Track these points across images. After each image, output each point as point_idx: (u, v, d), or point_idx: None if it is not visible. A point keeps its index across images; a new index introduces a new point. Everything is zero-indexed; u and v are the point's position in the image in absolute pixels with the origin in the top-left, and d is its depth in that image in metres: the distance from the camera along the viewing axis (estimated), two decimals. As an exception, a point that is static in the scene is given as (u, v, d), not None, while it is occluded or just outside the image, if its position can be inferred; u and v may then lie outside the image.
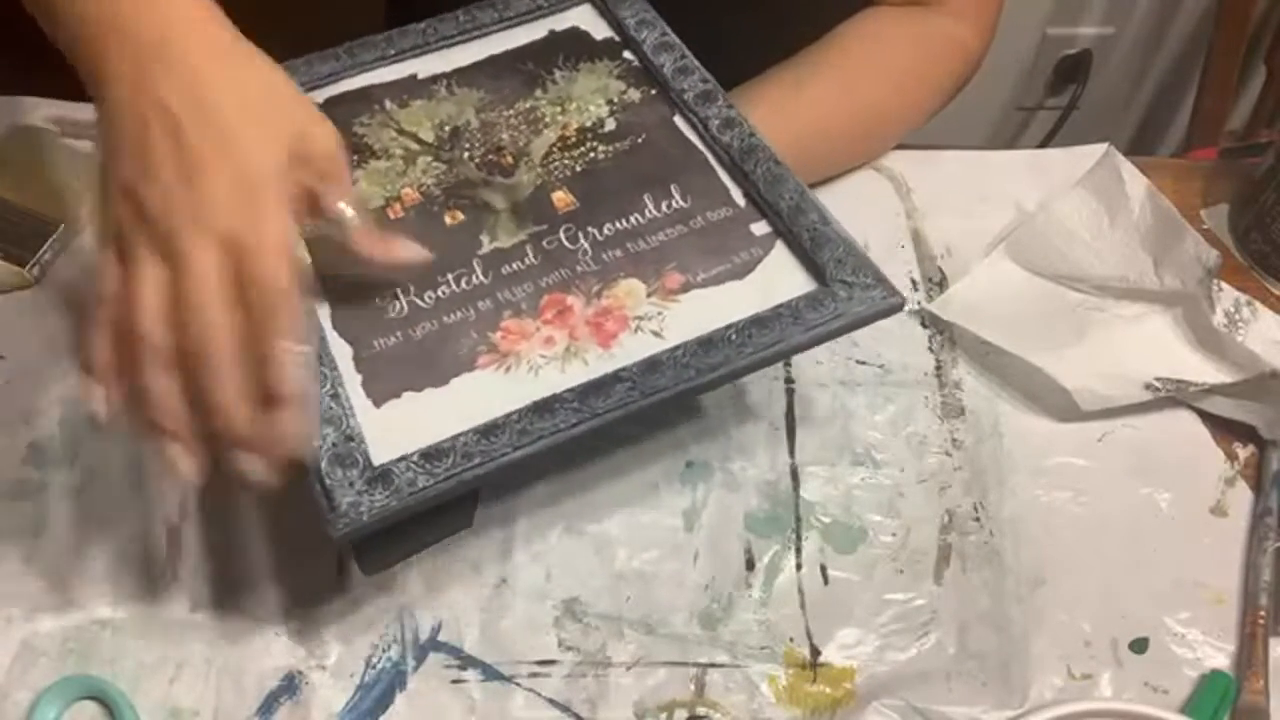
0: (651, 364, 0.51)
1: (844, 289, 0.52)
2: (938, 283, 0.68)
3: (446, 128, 0.61)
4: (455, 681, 0.55)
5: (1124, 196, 0.67)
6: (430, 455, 0.48)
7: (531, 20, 0.66)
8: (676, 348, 0.51)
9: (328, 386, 0.51)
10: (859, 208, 0.70)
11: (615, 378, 0.50)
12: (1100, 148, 0.69)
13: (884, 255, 0.69)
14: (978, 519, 0.60)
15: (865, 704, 0.54)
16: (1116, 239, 0.67)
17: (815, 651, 0.56)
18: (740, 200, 0.57)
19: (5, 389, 0.62)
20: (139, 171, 0.46)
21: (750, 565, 0.58)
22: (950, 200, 0.71)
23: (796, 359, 0.64)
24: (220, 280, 0.45)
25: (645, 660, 0.56)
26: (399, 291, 0.54)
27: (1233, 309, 0.67)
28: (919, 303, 0.67)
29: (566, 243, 0.56)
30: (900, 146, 0.73)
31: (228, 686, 0.54)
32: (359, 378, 0.52)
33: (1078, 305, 0.67)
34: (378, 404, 0.51)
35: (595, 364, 0.51)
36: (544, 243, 0.56)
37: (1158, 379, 0.63)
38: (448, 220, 0.57)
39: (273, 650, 0.55)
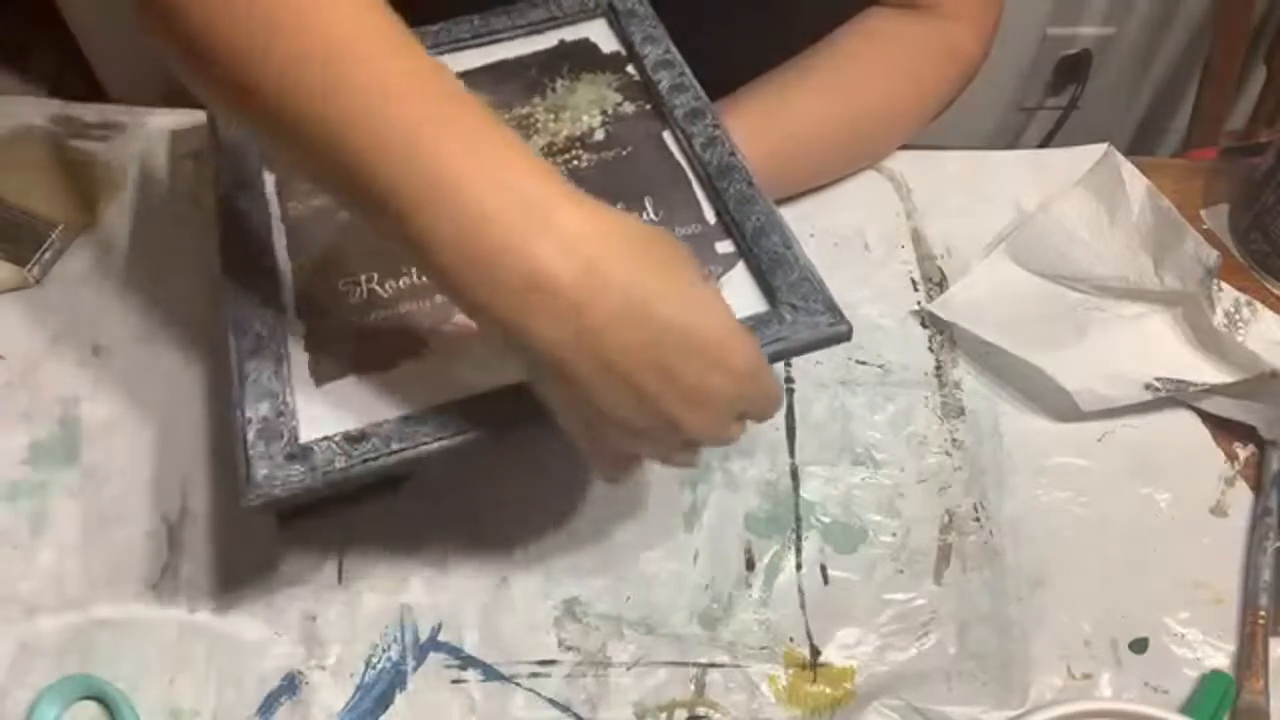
0: None
1: (790, 312, 0.52)
2: (937, 283, 0.68)
3: None
4: (455, 681, 0.55)
5: (1124, 196, 0.66)
6: (353, 437, 0.48)
7: (546, 30, 0.66)
8: None
9: (272, 362, 0.51)
10: (859, 208, 0.70)
11: None
12: (1100, 148, 0.69)
13: (884, 255, 0.69)
14: (978, 519, 0.60)
15: (865, 704, 0.54)
16: (1116, 239, 0.67)
17: (815, 651, 0.56)
18: (710, 217, 0.57)
19: (5, 389, 0.62)
20: (630, 408, 0.44)
21: (750, 565, 0.58)
22: (950, 200, 0.71)
23: (796, 359, 0.64)
24: None
25: (645, 660, 0.56)
26: (363, 278, 0.55)
27: (1233, 309, 0.67)
28: (919, 303, 0.67)
29: None
30: (900, 146, 0.73)
31: (228, 686, 0.54)
32: (306, 356, 0.52)
33: (1078, 305, 0.67)
34: (319, 384, 0.51)
35: None
36: None
37: (1158, 379, 0.63)
38: None
39: (273, 650, 0.55)
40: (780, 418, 0.63)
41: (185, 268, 0.66)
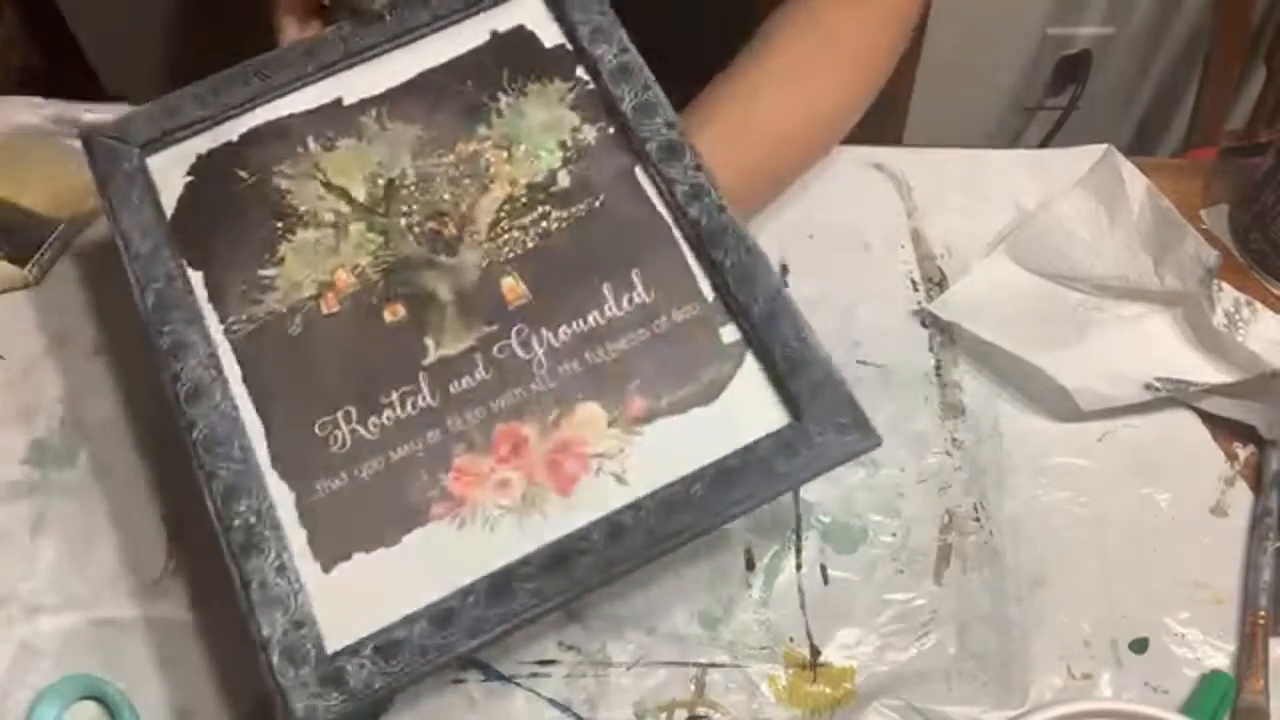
0: (615, 528, 0.48)
1: (818, 430, 0.48)
2: (937, 283, 0.68)
3: (380, 180, 0.56)
4: (455, 681, 0.55)
5: (1124, 197, 0.66)
6: (384, 650, 0.46)
7: (471, 16, 0.58)
8: (639, 506, 0.48)
9: (272, 556, 0.48)
10: (859, 208, 0.70)
11: (577, 547, 0.47)
12: (1100, 148, 0.69)
13: (884, 255, 0.69)
14: (978, 519, 0.60)
15: (865, 704, 0.54)
16: (1116, 239, 0.67)
17: (815, 651, 0.56)
18: (708, 293, 0.52)
19: (5, 389, 0.62)
20: None
21: (750, 565, 0.58)
22: (950, 200, 0.71)
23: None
24: None
25: (645, 660, 0.56)
26: (340, 418, 0.51)
27: (1233, 309, 0.67)
28: (919, 303, 0.67)
29: (519, 350, 0.52)
30: (901, 146, 0.73)
31: (228, 686, 0.54)
32: (303, 533, 0.49)
33: (1078, 305, 0.67)
34: (326, 569, 0.49)
35: (554, 516, 0.49)
36: (495, 350, 0.52)
37: (1158, 379, 0.63)
38: (387, 316, 0.53)
39: (273, 650, 0.55)
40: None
41: (185, 268, 0.66)
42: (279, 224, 0.55)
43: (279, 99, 0.58)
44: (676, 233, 0.53)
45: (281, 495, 0.50)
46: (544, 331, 0.52)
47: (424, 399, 0.51)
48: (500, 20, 0.58)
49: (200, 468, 0.50)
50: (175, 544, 0.58)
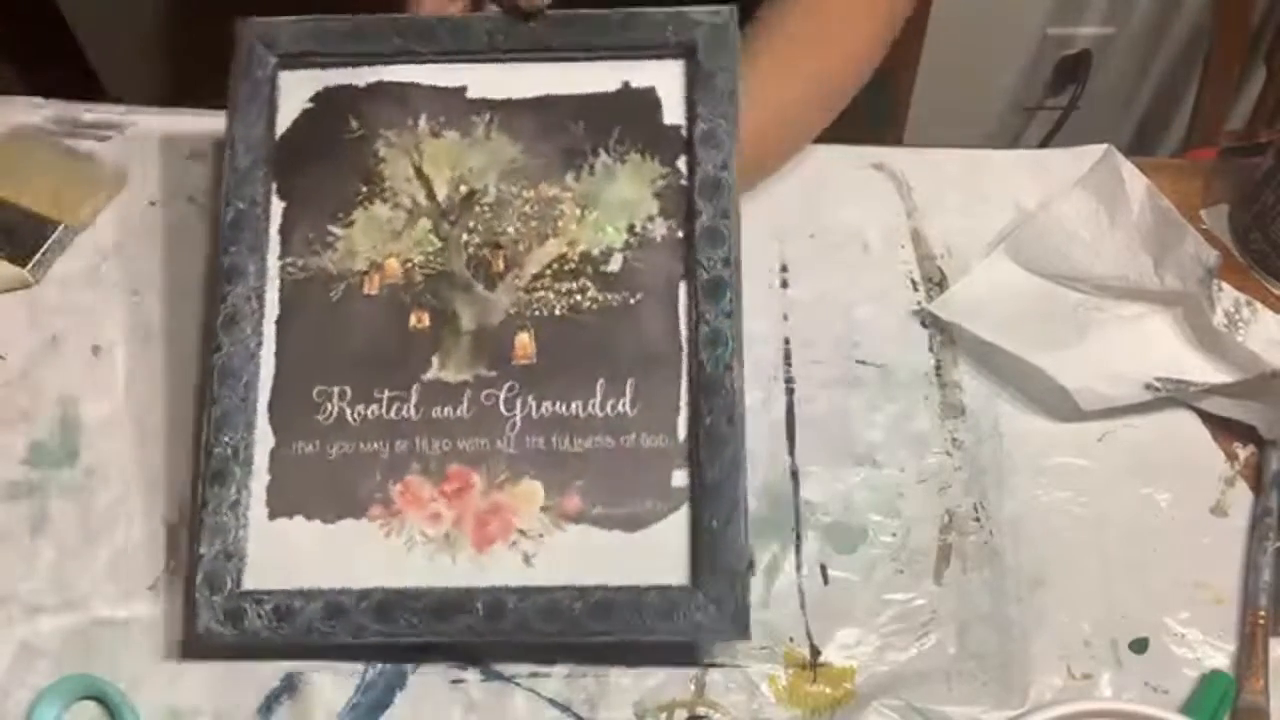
0: (496, 607, 0.52)
1: (702, 605, 0.52)
2: (937, 283, 0.68)
3: (463, 187, 0.58)
4: (455, 681, 0.55)
5: (1124, 196, 0.66)
6: (279, 612, 0.52)
7: (615, 59, 0.58)
8: (525, 594, 0.52)
9: (233, 491, 0.54)
10: (859, 207, 0.70)
11: (461, 605, 0.52)
12: (1100, 148, 0.69)
13: (884, 255, 0.69)
14: (978, 519, 0.60)
15: (865, 704, 0.54)
16: (1117, 239, 0.67)
17: (815, 651, 0.56)
18: (681, 434, 0.54)
19: (5, 389, 0.62)
20: None
21: (750, 565, 0.58)
22: (950, 200, 0.71)
23: (796, 359, 0.64)
24: None
25: (645, 660, 0.56)
26: (336, 394, 0.55)
27: (1233, 309, 0.67)
28: (919, 303, 0.67)
29: (503, 406, 0.55)
30: (901, 146, 0.73)
31: (228, 686, 0.54)
32: (267, 479, 0.55)
33: (1078, 305, 0.67)
34: (270, 517, 0.54)
35: (460, 566, 0.53)
36: (483, 395, 0.55)
37: (1158, 379, 0.62)
38: (413, 320, 0.56)
39: (273, 650, 0.55)
40: (781, 418, 0.63)
41: (184, 268, 0.66)
42: (364, 188, 0.58)
43: (413, 64, 0.59)
44: (684, 365, 0.55)
45: (264, 438, 0.55)
46: (530, 399, 0.55)
47: (408, 410, 0.55)
48: (637, 74, 0.58)
49: (209, 390, 0.55)
50: (175, 544, 0.58)
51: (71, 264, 0.67)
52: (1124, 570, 0.59)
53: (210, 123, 0.72)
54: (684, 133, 0.58)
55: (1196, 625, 0.57)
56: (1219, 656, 0.56)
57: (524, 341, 0.56)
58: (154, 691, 0.54)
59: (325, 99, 0.59)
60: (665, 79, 0.58)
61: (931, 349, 0.66)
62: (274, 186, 0.58)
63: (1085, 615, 0.57)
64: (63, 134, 0.71)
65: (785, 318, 0.65)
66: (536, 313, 0.56)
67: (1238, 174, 0.73)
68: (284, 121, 0.59)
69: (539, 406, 0.55)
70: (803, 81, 0.66)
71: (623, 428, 0.55)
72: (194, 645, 0.54)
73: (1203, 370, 0.64)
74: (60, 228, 0.67)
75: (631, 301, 0.56)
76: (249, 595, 0.53)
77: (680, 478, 0.54)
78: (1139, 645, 0.57)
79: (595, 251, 0.56)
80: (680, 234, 0.56)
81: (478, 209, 0.57)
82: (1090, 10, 1.34)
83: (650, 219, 0.57)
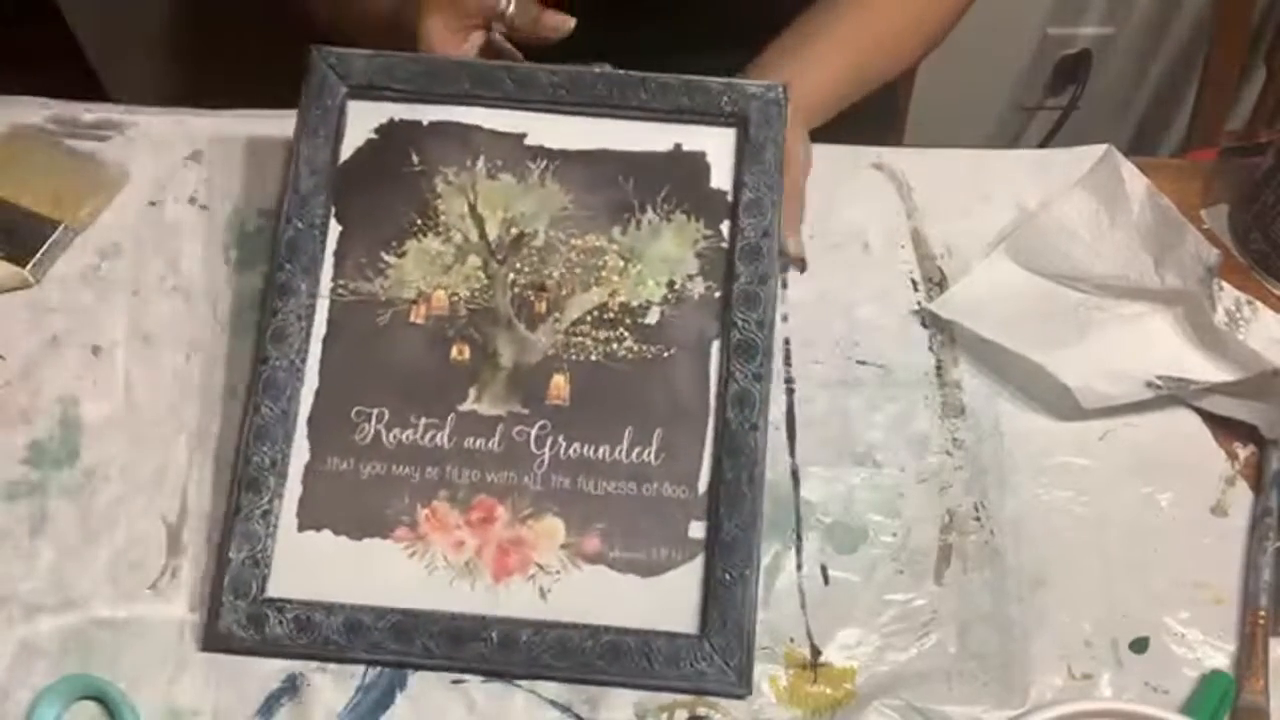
0: (509, 639, 0.53)
1: (708, 660, 0.53)
2: (938, 283, 0.68)
3: (514, 229, 0.60)
4: (456, 682, 0.55)
5: (1124, 196, 0.66)
6: (300, 623, 0.54)
7: (671, 121, 0.61)
8: (540, 632, 0.53)
9: (265, 499, 0.55)
10: (859, 207, 0.70)
11: (476, 634, 0.53)
12: (1100, 148, 0.69)
13: (884, 255, 0.69)
14: (978, 518, 0.60)
15: (865, 704, 0.54)
16: (1117, 238, 0.67)
17: (816, 651, 0.56)
18: (701, 487, 0.56)
19: (5, 389, 0.62)
20: None
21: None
22: (951, 200, 0.71)
23: (796, 359, 0.64)
24: None
25: (645, 660, 0.56)
26: (374, 415, 0.57)
27: (1233, 308, 0.67)
28: (919, 303, 0.67)
29: (533, 444, 0.57)
30: (901, 146, 0.73)
31: (228, 687, 0.54)
32: (300, 490, 0.56)
33: (1078, 305, 0.67)
34: (300, 529, 0.56)
35: (478, 594, 0.55)
36: (515, 431, 0.57)
37: (1159, 377, 0.62)
38: (454, 352, 0.58)
39: (273, 650, 0.55)
40: (781, 417, 0.63)
41: (184, 268, 0.66)
42: (418, 220, 0.60)
43: (477, 107, 0.61)
44: (710, 421, 0.57)
45: (300, 451, 0.57)
46: (560, 439, 0.57)
47: (442, 438, 0.57)
48: (689, 138, 0.61)
49: (251, 399, 0.57)
50: (175, 544, 0.58)
51: (71, 264, 0.67)
52: (1124, 570, 0.59)
53: (211, 123, 0.72)
54: (730, 198, 0.60)
55: (1196, 625, 0.57)
56: (1219, 656, 0.56)
57: (559, 383, 0.58)
58: (154, 691, 0.54)
59: (389, 131, 0.62)
60: (716, 145, 0.61)
61: (932, 349, 0.66)
62: (332, 210, 0.60)
63: (1086, 615, 0.57)
64: (63, 134, 0.71)
65: (785, 318, 0.65)
66: (573, 356, 0.58)
67: (1238, 174, 0.73)
68: (347, 149, 0.61)
69: (568, 447, 0.57)
70: (908, 10, 0.71)
71: (646, 476, 0.56)
72: (211, 639, 0.54)
73: (1203, 369, 0.64)
74: (60, 228, 0.67)
75: (665, 355, 0.58)
76: (272, 603, 0.54)
77: (697, 529, 0.55)
78: (1139, 645, 0.57)
79: (635, 303, 0.59)
80: (718, 294, 0.59)
81: (526, 251, 0.60)
82: (1090, 10, 1.34)
83: (690, 277, 0.59)
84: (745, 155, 0.60)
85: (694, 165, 0.61)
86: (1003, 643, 0.56)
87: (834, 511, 0.60)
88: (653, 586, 0.55)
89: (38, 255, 0.66)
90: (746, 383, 0.57)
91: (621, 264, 0.59)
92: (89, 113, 0.72)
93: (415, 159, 0.61)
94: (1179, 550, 0.59)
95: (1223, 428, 0.63)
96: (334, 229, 0.60)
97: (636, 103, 0.60)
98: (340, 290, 0.59)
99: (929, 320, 0.66)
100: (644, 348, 0.58)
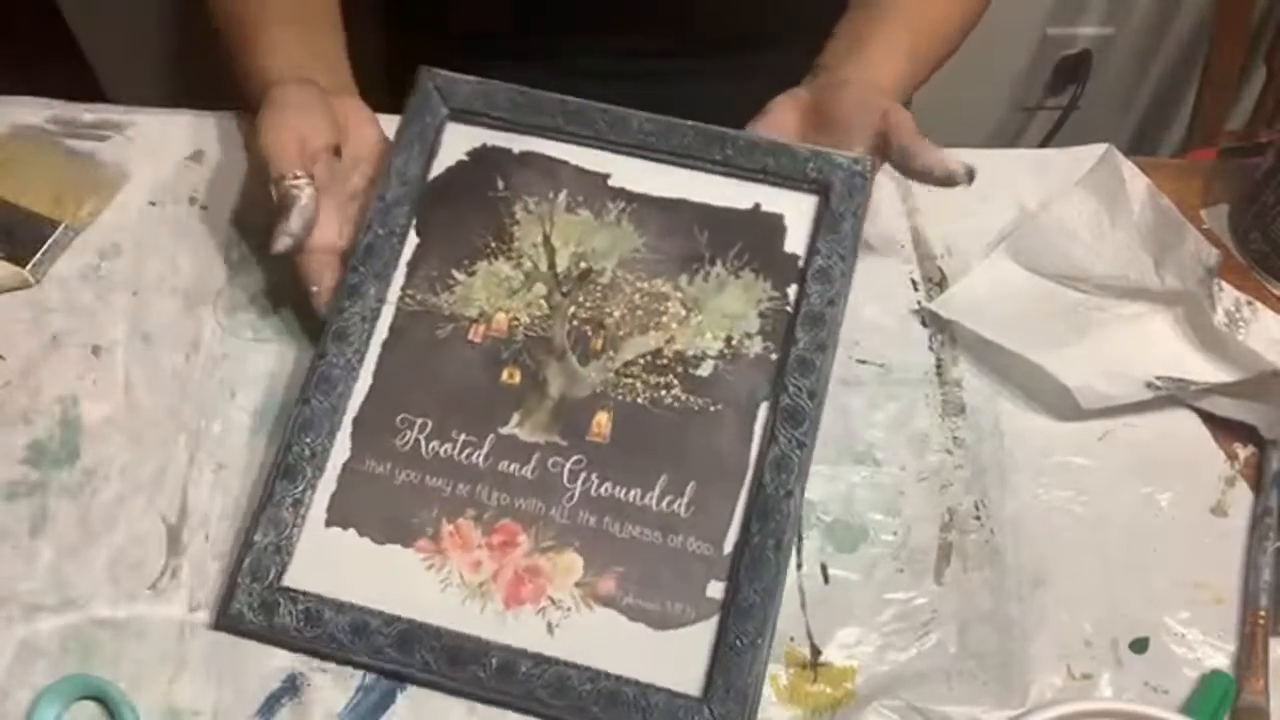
0: (508, 668, 0.53)
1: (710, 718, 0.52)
2: (938, 282, 0.68)
3: (582, 263, 0.60)
4: (456, 681, 0.55)
5: (1125, 196, 0.66)
6: (309, 617, 0.54)
7: (752, 181, 0.62)
8: (542, 662, 0.53)
9: (300, 488, 0.56)
10: (859, 207, 0.70)
11: (476, 657, 0.53)
12: (1101, 148, 0.69)
13: (884, 254, 0.69)
14: (979, 517, 0.60)
15: (865, 704, 0.54)
16: (1117, 239, 0.67)
17: (816, 651, 0.56)
18: (727, 547, 0.55)
19: (5, 389, 0.62)
20: None
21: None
22: (951, 200, 0.71)
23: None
24: None
25: (646, 660, 0.55)
26: (417, 424, 0.58)
27: (1233, 308, 0.67)
28: (919, 302, 0.67)
29: (566, 477, 0.57)
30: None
31: (228, 687, 0.54)
32: (334, 487, 0.57)
33: (1078, 305, 0.67)
34: (327, 524, 0.56)
35: (487, 618, 0.54)
36: (550, 462, 0.57)
37: (1158, 378, 0.63)
38: (504, 375, 0.59)
39: (274, 651, 0.55)
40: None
41: (185, 268, 0.66)
42: (493, 243, 0.61)
43: (568, 144, 0.63)
44: (746, 481, 0.56)
45: (341, 448, 0.57)
46: (593, 477, 0.57)
47: (478, 457, 0.57)
48: (770, 199, 0.61)
49: (304, 390, 0.58)
50: (175, 544, 0.58)
51: (71, 264, 0.67)
52: (1124, 570, 0.59)
53: (210, 123, 0.72)
54: (800, 263, 0.60)
55: (1196, 625, 0.57)
56: (1219, 656, 0.56)
57: (601, 420, 0.58)
58: (154, 691, 0.54)
59: (481, 155, 0.63)
60: (795, 210, 0.61)
61: (932, 347, 0.66)
62: (413, 223, 0.61)
63: (1086, 615, 0.57)
64: (63, 134, 0.71)
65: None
66: (620, 396, 0.58)
67: (1238, 174, 0.73)
68: (438, 168, 0.63)
69: (599, 485, 0.56)
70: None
71: (673, 526, 0.56)
72: (221, 620, 0.55)
73: (1203, 370, 0.64)
74: (60, 228, 0.67)
75: (712, 409, 0.58)
76: (286, 591, 0.54)
77: (716, 589, 0.55)
78: (1139, 645, 0.57)
79: (690, 353, 0.59)
80: (774, 356, 0.58)
81: (591, 287, 0.60)
82: (1090, 10, 1.34)
83: (749, 335, 0.59)
84: (823, 224, 0.60)
85: (770, 227, 0.61)
86: (1003, 642, 0.56)
87: (834, 510, 0.60)
88: (662, 640, 0.54)
89: (38, 255, 0.66)
90: (789, 448, 0.56)
91: (683, 313, 0.60)
92: (89, 113, 0.72)
93: (501, 184, 0.62)
94: (1179, 550, 0.59)
95: (1222, 428, 0.63)
96: (412, 240, 0.61)
97: (721, 158, 0.61)
98: (408, 300, 0.60)
99: (929, 319, 0.66)
100: (691, 399, 0.58)
